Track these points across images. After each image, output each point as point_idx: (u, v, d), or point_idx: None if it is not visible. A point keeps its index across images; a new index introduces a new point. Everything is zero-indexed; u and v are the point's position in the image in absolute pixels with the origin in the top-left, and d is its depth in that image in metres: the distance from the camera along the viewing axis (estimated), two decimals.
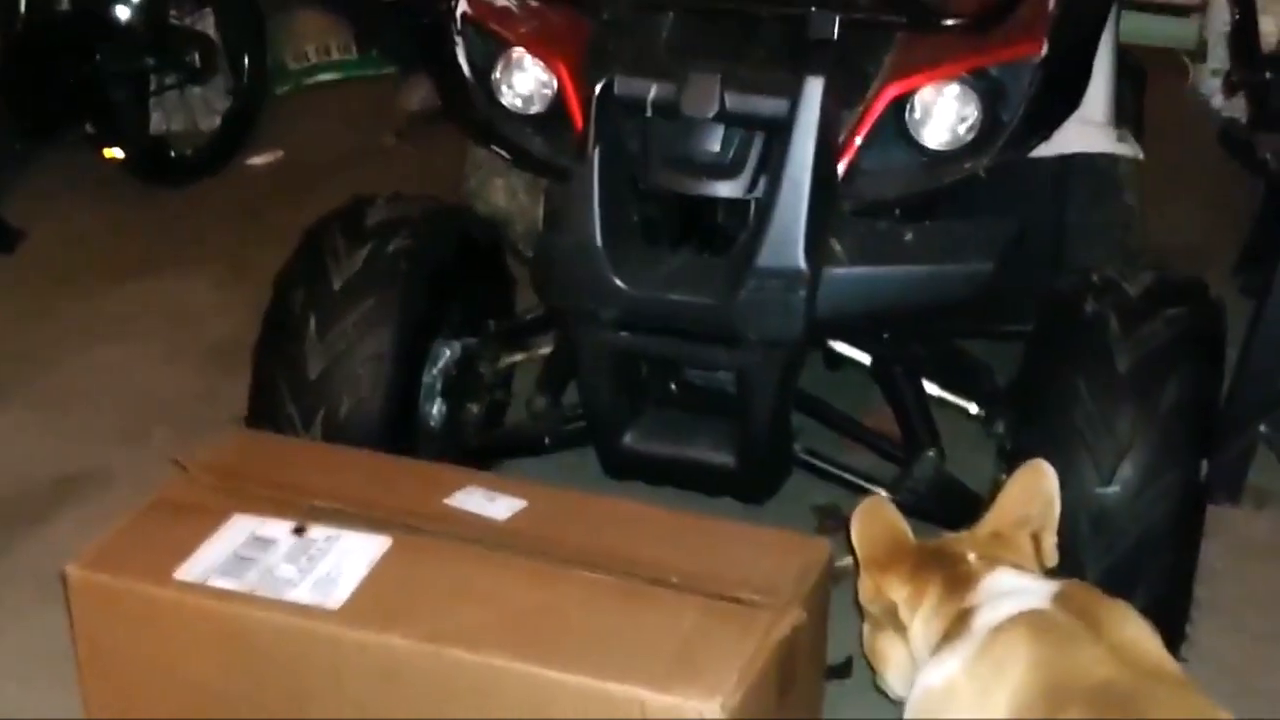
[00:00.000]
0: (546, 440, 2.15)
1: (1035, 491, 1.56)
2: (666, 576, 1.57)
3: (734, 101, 1.74)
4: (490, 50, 1.99)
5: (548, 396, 2.13)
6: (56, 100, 3.40)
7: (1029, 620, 1.39)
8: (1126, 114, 2.34)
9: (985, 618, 1.41)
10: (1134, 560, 1.71)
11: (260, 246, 3.18)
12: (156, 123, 3.70)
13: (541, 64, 1.95)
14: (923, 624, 1.50)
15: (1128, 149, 2.18)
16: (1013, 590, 1.45)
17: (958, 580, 1.48)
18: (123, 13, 3.44)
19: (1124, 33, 2.35)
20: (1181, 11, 4.22)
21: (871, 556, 1.53)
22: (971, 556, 1.51)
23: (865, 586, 1.55)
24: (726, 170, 1.80)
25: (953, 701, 1.38)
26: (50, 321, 2.96)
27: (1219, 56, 3.76)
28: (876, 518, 1.56)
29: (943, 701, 1.39)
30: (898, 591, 1.51)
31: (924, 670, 1.44)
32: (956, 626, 1.44)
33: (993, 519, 1.57)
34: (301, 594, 1.56)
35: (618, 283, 1.77)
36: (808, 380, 2.09)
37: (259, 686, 1.57)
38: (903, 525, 1.56)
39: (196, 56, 3.59)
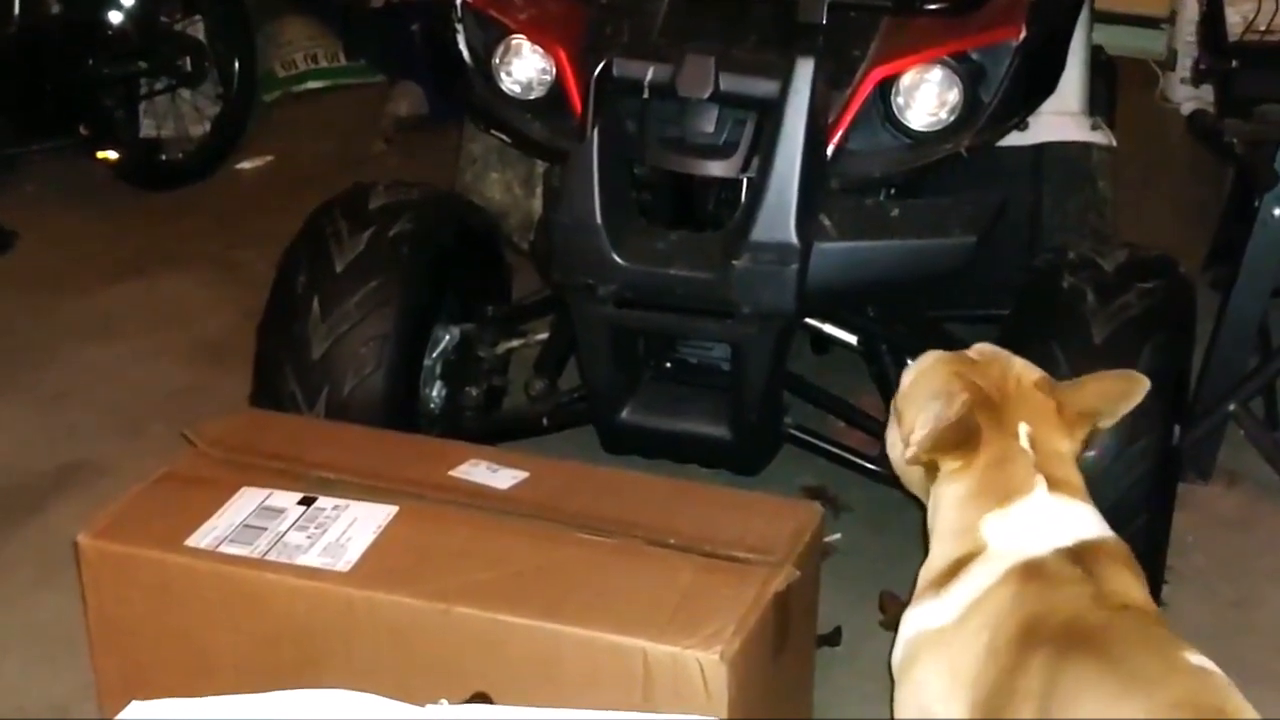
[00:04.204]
0: (544, 421, 2.20)
1: (1119, 396, 1.55)
2: (665, 538, 1.63)
3: (728, 82, 1.81)
4: (490, 37, 2.05)
5: (545, 379, 2.19)
6: (48, 104, 3.44)
7: (1023, 570, 1.43)
8: (1099, 104, 2.43)
9: (984, 570, 1.45)
10: (1112, 521, 1.76)
11: (248, 248, 3.23)
12: (146, 128, 3.74)
13: (540, 50, 2.01)
14: (951, 490, 1.50)
15: (1101, 137, 2.27)
16: (1023, 529, 1.46)
17: (1005, 479, 1.47)
18: (114, 17, 3.49)
19: (1095, 43, 2.44)
20: (1151, 23, 4.34)
21: (941, 438, 1.49)
22: (1024, 433, 1.48)
23: (921, 453, 1.51)
24: (721, 150, 1.87)
25: (941, 644, 1.44)
26: (43, 320, 2.99)
27: (1187, 65, 3.87)
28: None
29: (934, 645, 1.45)
30: (950, 464, 1.51)
31: (915, 615, 1.49)
32: (953, 572, 1.47)
33: (1069, 396, 1.54)
34: (311, 558, 1.59)
35: (617, 259, 1.83)
36: (796, 365, 2.15)
37: (271, 649, 1.61)
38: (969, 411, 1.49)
39: (187, 61, 3.64)
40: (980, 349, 1.61)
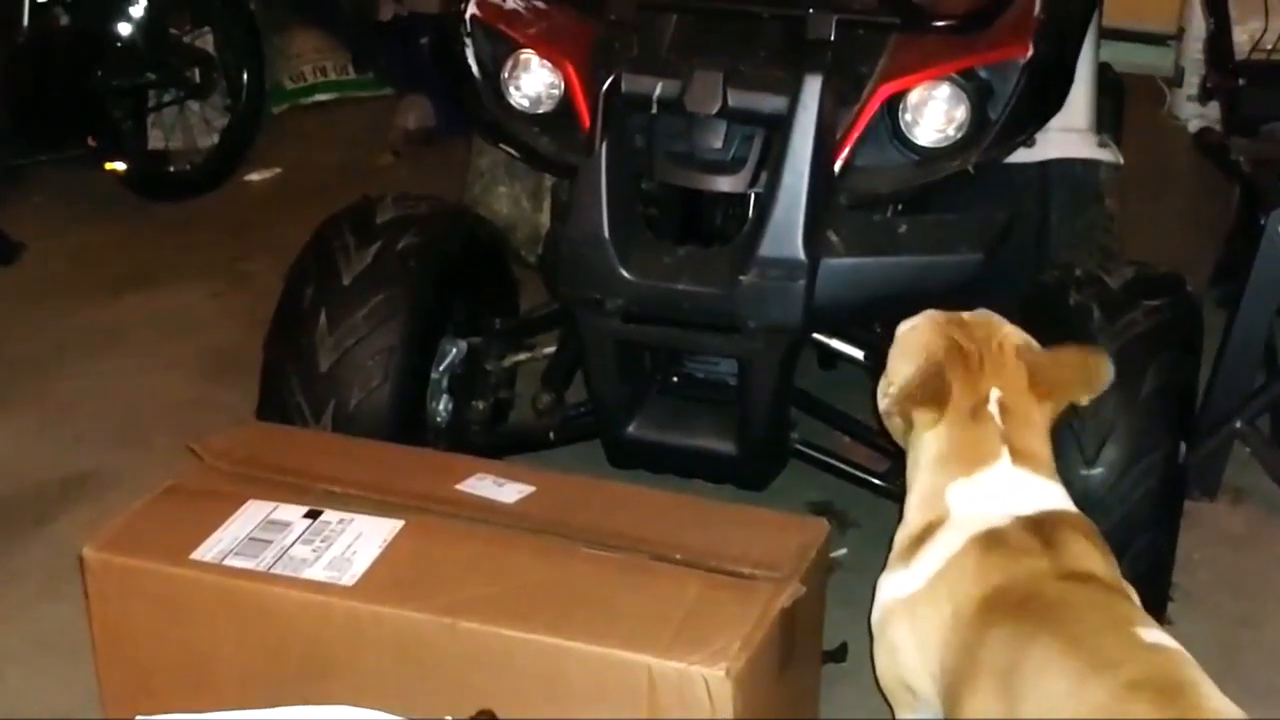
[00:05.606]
0: (551, 435, 2.19)
1: (1085, 370, 1.58)
2: (670, 553, 1.63)
3: (736, 98, 1.81)
4: (499, 51, 2.06)
5: (552, 393, 2.19)
6: (57, 115, 3.45)
7: (983, 540, 1.48)
8: (1107, 122, 2.43)
9: (947, 538, 1.50)
10: (1118, 538, 1.76)
11: (257, 260, 3.24)
12: (155, 139, 3.76)
13: (549, 64, 2.01)
14: (924, 447, 1.56)
15: (1108, 155, 2.27)
16: (985, 498, 1.51)
17: (971, 445, 1.53)
18: (123, 29, 3.50)
19: (1102, 60, 2.45)
20: (1158, 40, 4.35)
21: (910, 392, 1.56)
22: (994, 398, 1.52)
23: (892, 405, 1.58)
24: (729, 166, 1.88)
25: (909, 612, 1.52)
26: (51, 331, 3.00)
27: (1194, 83, 3.87)
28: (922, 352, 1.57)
29: (903, 612, 1.53)
30: (921, 418, 1.56)
31: (888, 581, 1.56)
32: (920, 540, 1.53)
33: (1042, 362, 1.57)
34: (317, 572, 1.60)
35: (624, 273, 1.83)
36: (803, 380, 2.15)
37: (277, 662, 1.60)
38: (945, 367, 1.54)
39: (196, 73, 3.66)
40: (977, 313, 1.64)
